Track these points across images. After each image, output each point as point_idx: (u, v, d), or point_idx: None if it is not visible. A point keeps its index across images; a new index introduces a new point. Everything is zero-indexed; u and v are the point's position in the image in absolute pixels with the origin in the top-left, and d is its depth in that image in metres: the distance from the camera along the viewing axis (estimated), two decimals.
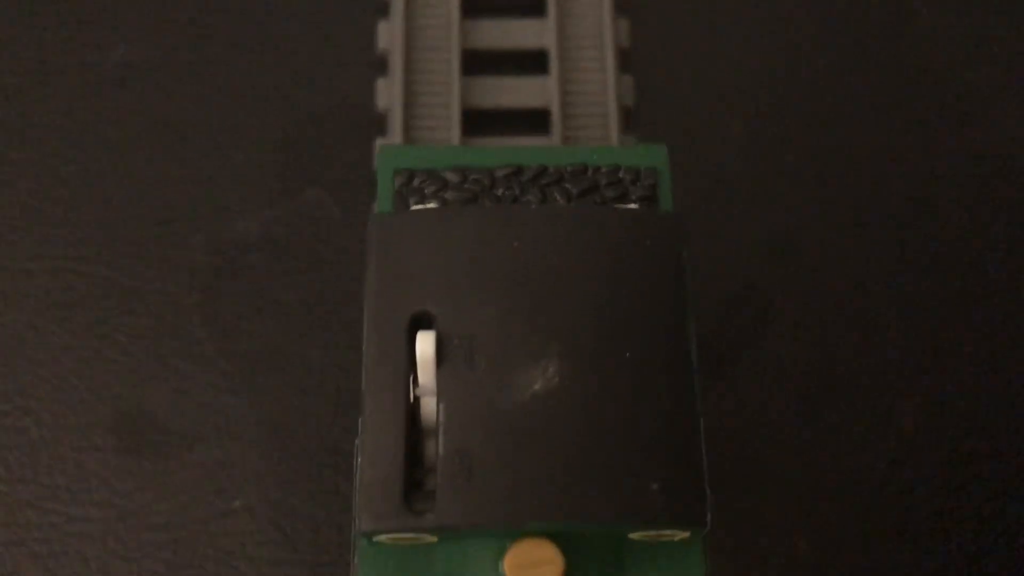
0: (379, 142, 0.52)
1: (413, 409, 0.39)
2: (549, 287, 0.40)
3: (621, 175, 0.44)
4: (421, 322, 0.40)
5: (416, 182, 0.44)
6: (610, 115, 0.52)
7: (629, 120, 0.53)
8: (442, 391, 0.39)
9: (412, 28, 0.54)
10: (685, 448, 0.39)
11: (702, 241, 0.56)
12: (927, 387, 0.54)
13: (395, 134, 0.52)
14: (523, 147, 0.45)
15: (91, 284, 0.55)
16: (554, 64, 0.53)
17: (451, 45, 0.54)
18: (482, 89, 0.53)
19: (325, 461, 0.52)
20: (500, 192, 0.43)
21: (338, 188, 0.57)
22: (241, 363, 0.53)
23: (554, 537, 0.38)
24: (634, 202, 0.43)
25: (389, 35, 0.54)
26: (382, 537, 0.38)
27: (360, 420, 0.39)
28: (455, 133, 0.52)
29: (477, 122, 0.53)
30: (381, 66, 0.55)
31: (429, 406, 0.39)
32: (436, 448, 0.39)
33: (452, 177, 0.43)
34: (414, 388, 0.40)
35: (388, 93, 0.53)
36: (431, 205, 0.43)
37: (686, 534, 0.39)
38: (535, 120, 0.53)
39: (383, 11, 0.55)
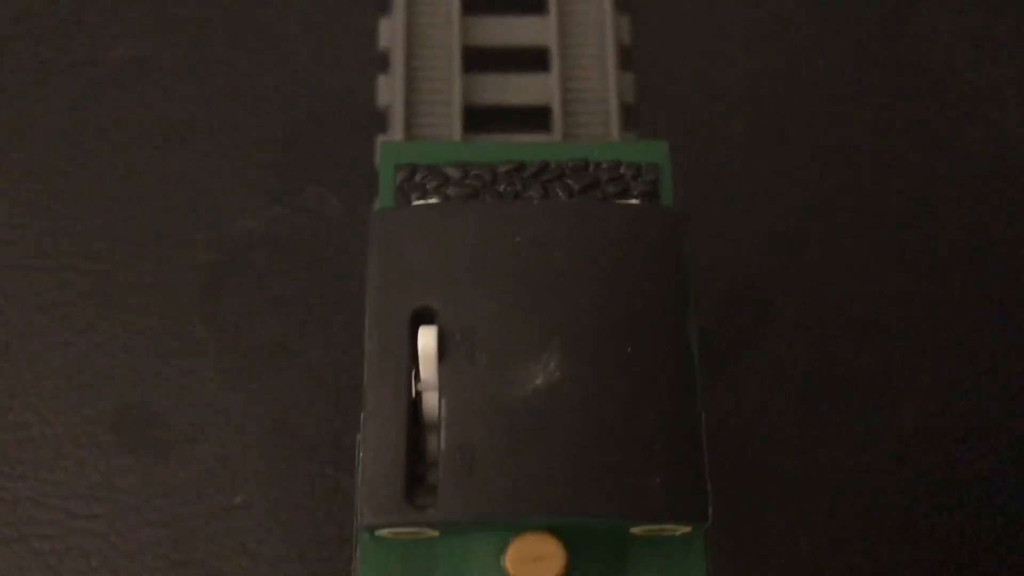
0: (380, 139, 0.52)
1: (415, 404, 0.39)
2: (551, 282, 0.40)
3: (622, 171, 0.44)
4: (423, 317, 0.40)
5: (418, 178, 0.44)
6: (611, 113, 0.52)
7: (630, 118, 0.53)
8: (444, 386, 0.39)
9: (413, 25, 0.54)
10: (686, 443, 0.39)
11: (702, 240, 0.56)
12: (927, 386, 0.54)
13: (396, 131, 0.51)
14: (524, 143, 0.45)
15: (92, 281, 0.55)
16: (555, 61, 0.53)
17: (452, 42, 0.54)
18: (483, 86, 0.53)
19: (326, 457, 0.52)
20: (501, 188, 0.43)
21: (339, 186, 0.57)
22: (242, 360, 0.53)
23: (556, 531, 0.38)
24: (635, 198, 0.43)
25: (390, 32, 0.54)
26: (384, 531, 0.38)
27: (362, 415, 0.39)
28: (456, 130, 0.51)
29: (478, 119, 0.53)
30: (382, 63, 0.55)
31: (431, 401, 0.39)
32: (438, 443, 0.39)
33: (453, 173, 0.44)
34: (416, 383, 0.40)
35: (389, 90, 0.53)
36: (432, 201, 0.43)
37: (687, 529, 0.39)
38: (536, 117, 0.53)
39: (384, 8, 0.55)
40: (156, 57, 0.60)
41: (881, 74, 0.61)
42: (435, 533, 0.39)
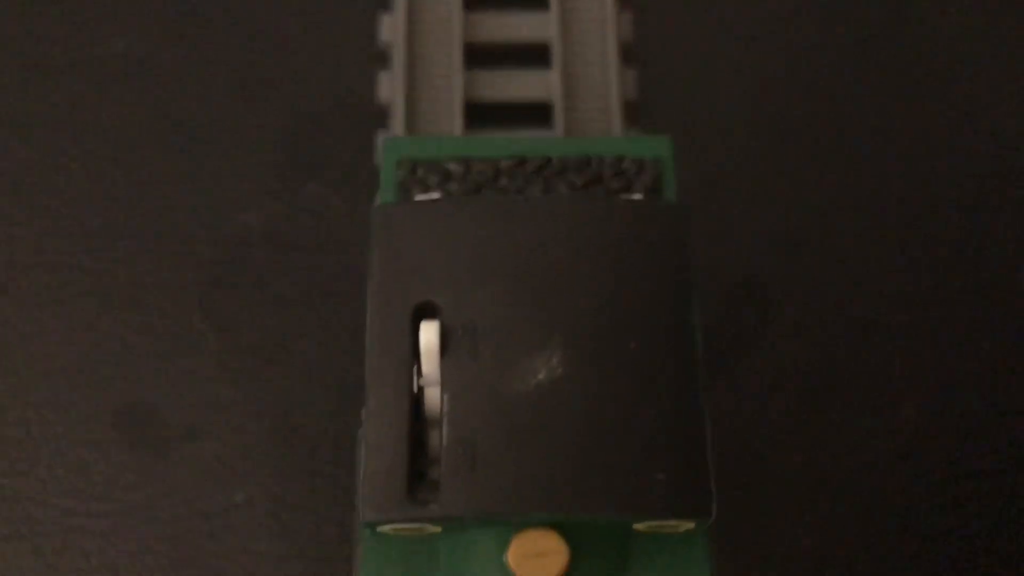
0: (382, 135, 0.52)
1: (416, 399, 0.39)
2: (553, 277, 0.40)
3: (625, 166, 0.43)
4: (425, 312, 0.40)
5: (419, 173, 0.43)
6: (612, 109, 0.52)
7: (631, 115, 0.53)
8: (446, 381, 0.39)
9: (414, 20, 0.54)
10: (690, 438, 0.38)
11: (702, 239, 0.56)
12: (928, 385, 0.54)
13: (397, 128, 0.51)
14: (527, 138, 0.45)
15: (92, 279, 0.55)
16: (557, 57, 0.53)
17: (453, 38, 0.53)
18: (485, 82, 0.53)
19: (327, 455, 0.52)
20: (503, 183, 0.43)
21: (339, 182, 0.57)
22: (243, 358, 0.53)
23: (559, 527, 0.38)
24: (638, 193, 0.43)
25: (391, 28, 0.54)
26: (385, 528, 0.38)
27: (363, 411, 0.39)
28: (457, 126, 0.51)
29: (479, 115, 0.53)
30: (383, 59, 0.55)
31: (433, 396, 0.39)
32: (439, 438, 0.38)
33: (455, 168, 0.43)
34: (417, 378, 0.39)
35: (390, 86, 0.53)
36: (434, 196, 0.42)
37: (691, 525, 0.39)
38: (537, 114, 0.53)
39: (385, 4, 0.55)
40: (156, 55, 0.60)
41: (883, 73, 0.61)
42: (437, 529, 0.38)
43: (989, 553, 0.51)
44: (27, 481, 0.51)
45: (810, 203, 0.58)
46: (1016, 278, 0.56)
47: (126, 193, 0.57)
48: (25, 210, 0.56)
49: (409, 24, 0.54)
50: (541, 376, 0.39)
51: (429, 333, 0.39)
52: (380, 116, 0.55)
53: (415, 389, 0.39)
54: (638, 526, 0.39)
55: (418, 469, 0.39)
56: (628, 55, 0.54)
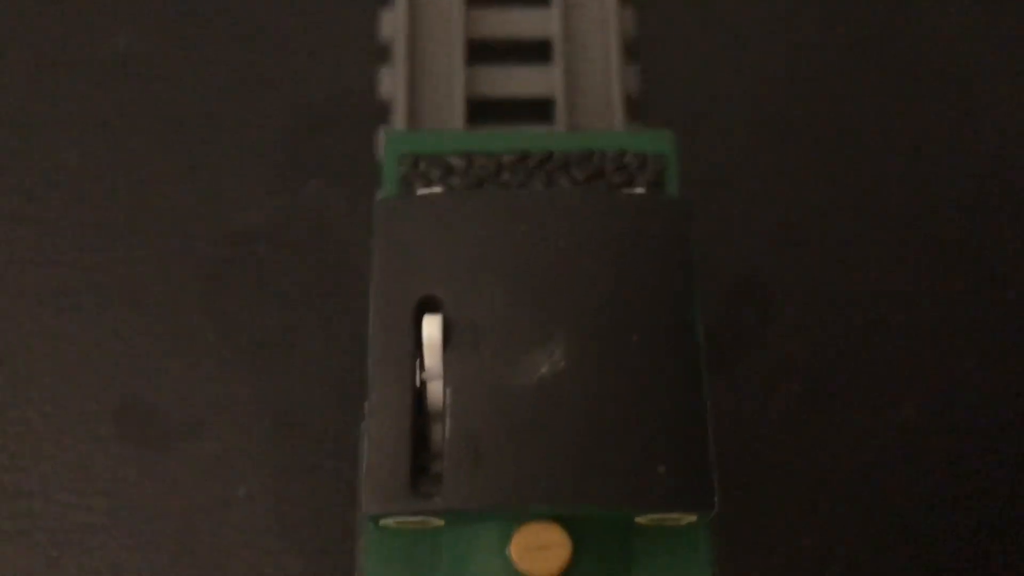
0: (384, 129, 0.52)
1: (419, 393, 0.39)
2: (556, 271, 0.40)
3: (627, 161, 0.43)
4: (427, 306, 0.40)
5: (421, 167, 0.43)
6: (614, 105, 0.52)
7: (633, 111, 0.53)
8: (448, 375, 0.39)
9: (416, 16, 0.54)
10: (692, 432, 0.38)
11: (703, 237, 0.56)
12: (928, 383, 0.54)
13: (398, 124, 0.51)
14: (529, 133, 0.45)
15: (94, 275, 0.55)
16: (558, 54, 0.53)
17: (455, 34, 0.53)
18: (486, 78, 0.53)
19: (328, 450, 0.52)
20: (506, 178, 0.43)
21: (341, 178, 0.57)
22: (244, 352, 0.53)
23: (561, 520, 0.38)
24: (640, 187, 0.43)
25: (392, 24, 0.54)
26: (388, 521, 0.38)
27: (365, 404, 0.39)
28: (459, 122, 0.51)
29: (481, 111, 0.53)
30: (384, 55, 0.55)
31: (435, 390, 0.39)
32: (443, 432, 0.38)
33: (457, 163, 0.43)
34: (420, 372, 0.39)
35: (391, 82, 0.53)
36: (436, 190, 0.42)
37: (693, 518, 0.39)
38: (539, 110, 0.53)
39: (385, 1, 0.55)
40: (157, 53, 0.60)
41: (884, 72, 0.61)
42: (440, 523, 0.38)
43: (989, 552, 0.51)
44: (29, 477, 0.51)
45: (811, 202, 0.58)
46: (1019, 276, 0.56)
47: (127, 191, 0.57)
48: (26, 207, 0.56)
49: (410, 20, 0.54)
50: (543, 370, 0.39)
51: (432, 327, 0.39)
52: (381, 113, 0.55)
53: (418, 383, 0.39)
54: (640, 519, 0.39)
55: (420, 463, 0.39)
56: (630, 51, 0.54)
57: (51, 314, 0.54)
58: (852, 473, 0.53)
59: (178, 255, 0.55)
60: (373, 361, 0.39)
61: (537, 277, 0.40)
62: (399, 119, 0.52)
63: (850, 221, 0.57)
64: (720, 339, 0.55)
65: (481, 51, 0.54)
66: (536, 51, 0.54)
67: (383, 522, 0.38)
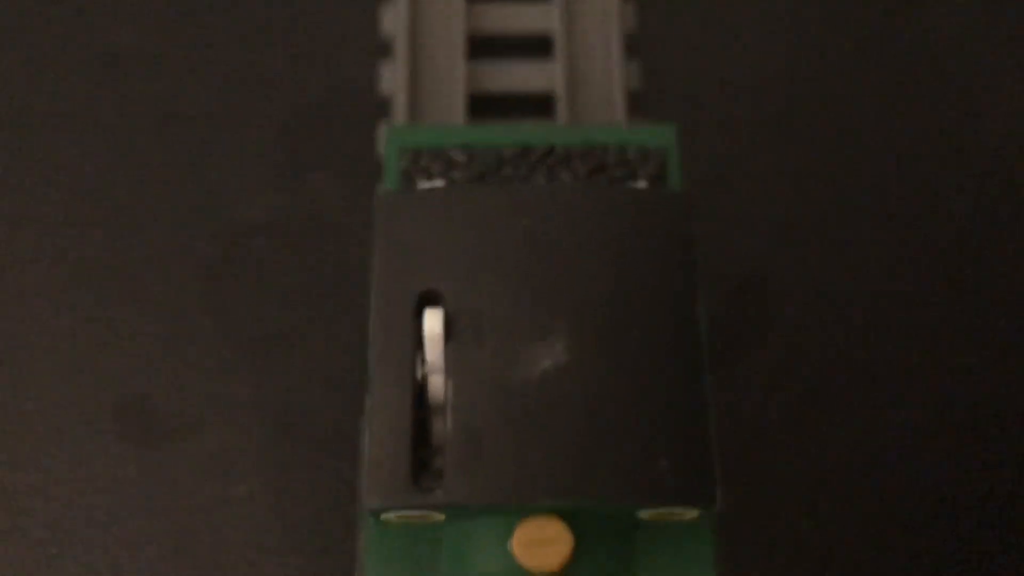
0: (385, 124, 0.52)
1: (420, 387, 0.39)
2: (558, 265, 0.40)
3: (629, 155, 0.43)
4: (429, 300, 0.40)
5: (423, 161, 0.43)
6: (616, 100, 0.52)
7: (635, 106, 0.53)
8: (450, 368, 0.39)
9: (417, 12, 0.54)
10: (694, 426, 0.38)
11: (706, 232, 0.56)
12: (930, 381, 0.54)
13: (399, 119, 0.51)
14: (531, 127, 0.45)
15: (93, 271, 0.55)
16: (560, 49, 0.53)
17: (456, 29, 0.53)
18: (487, 74, 0.53)
19: (328, 447, 0.52)
20: (507, 171, 0.43)
21: (341, 174, 0.57)
22: (244, 350, 0.53)
23: (563, 515, 0.38)
24: (642, 181, 0.43)
25: (393, 19, 0.54)
26: (389, 515, 0.38)
27: (366, 398, 0.39)
28: (460, 118, 0.51)
29: (482, 107, 0.53)
30: (385, 50, 0.55)
31: (437, 384, 0.39)
32: (444, 425, 0.38)
33: (459, 157, 0.43)
34: (421, 366, 0.39)
35: (392, 78, 0.53)
36: (438, 183, 0.42)
37: (695, 514, 0.39)
38: (541, 105, 0.53)
39: None
40: (157, 48, 0.60)
41: (887, 68, 0.61)
42: (441, 517, 0.38)
43: (991, 552, 0.51)
44: (29, 475, 0.51)
45: (812, 200, 0.58)
46: (1017, 276, 0.56)
47: (127, 187, 0.57)
48: (27, 202, 0.57)
49: (411, 15, 0.54)
50: (546, 364, 0.39)
51: (433, 320, 0.39)
52: (382, 108, 0.55)
53: (419, 377, 0.39)
54: (642, 514, 0.39)
55: (422, 457, 0.39)
56: (631, 47, 0.54)
57: (50, 312, 0.54)
58: (853, 471, 0.53)
59: (178, 252, 0.55)
60: (374, 355, 0.39)
61: (539, 271, 0.40)
62: (400, 115, 0.52)
63: (852, 219, 0.57)
64: (721, 337, 0.55)
65: (482, 46, 0.54)
66: (537, 46, 0.55)
67: (384, 516, 0.38)
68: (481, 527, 0.38)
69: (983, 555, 0.51)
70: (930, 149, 0.59)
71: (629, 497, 0.38)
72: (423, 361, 0.39)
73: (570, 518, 0.38)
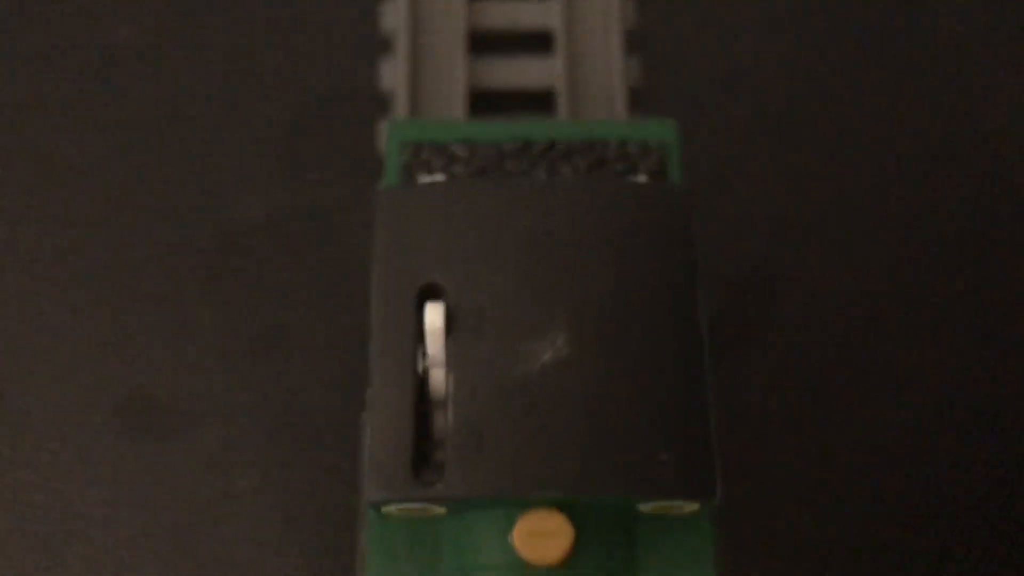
0: (385, 122, 0.52)
1: (421, 381, 0.39)
2: (558, 259, 0.40)
3: (630, 150, 0.44)
4: (430, 294, 0.40)
5: (424, 156, 0.44)
6: (616, 97, 0.52)
7: (635, 102, 0.53)
8: (451, 362, 0.39)
9: (417, 8, 0.54)
10: (694, 420, 0.38)
11: (707, 228, 0.56)
12: (933, 377, 0.54)
13: (400, 116, 0.52)
14: (531, 122, 0.45)
15: (95, 266, 0.55)
16: (561, 45, 0.53)
17: (457, 25, 0.54)
18: (488, 70, 0.53)
19: (329, 443, 0.52)
20: (508, 166, 0.43)
21: (342, 171, 0.57)
22: (245, 345, 0.53)
23: (563, 508, 0.38)
24: (643, 176, 0.43)
25: (394, 16, 0.54)
26: (390, 508, 0.38)
27: (368, 392, 0.39)
28: (460, 114, 0.51)
29: (483, 103, 0.53)
30: (385, 47, 0.55)
31: (437, 378, 0.39)
32: (445, 419, 0.39)
33: (460, 151, 0.44)
34: (422, 360, 0.39)
35: (393, 74, 0.53)
36: (439, 178, 0.43)
37: (695, 507, 0.39)
38: (541, 101, 0.53)
39: None
40: (159, 41, 0.60)
41: (888, 65, 0.61)
42: (442, 511, 0.39)
43: (991, 551, 0.51)
44: (29, 468, 0.51)
45: (813, 197, 0.58)
46: (1019, 275, 0.56)
47: (128, 182, 0.57)
48: (26, 198, 0.57)
49: (412, 11, 0.54)
50: (546, 357, 0.39)
51: (434, 314, 0.39)
52: (383, 105, 0.56)
53: (420, 371, 0.39)
54: (642, 507, 0.39)
55: (423, 451, 0.39)
56: (632, 43, 0.54)
57: (51, 309, 0.54)
58: (854, 470, 0.53)
59: (178, 249, 0.55)
60: (375, 349, 0.39)
61: (540, 265, 0.40)
62: (400, 112, 0.52)
63: (851, 217, 0.57)
64: (723, 332, 0.55)
65: (483, 42, 0.54)
66: (538, 42, 0.55)
67: (385, 509, 0.38)
68: (482, 520, 0.38)
69: (983, 554, 0.51)
70: (930, 148, 0.59)
71: (629, 490, 0.38)
72: (424, 355, 0.40)
73: (570, 511, 0.38)
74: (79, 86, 0.59)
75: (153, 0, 0.61)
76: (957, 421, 0.53)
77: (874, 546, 0.51)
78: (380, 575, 0.39)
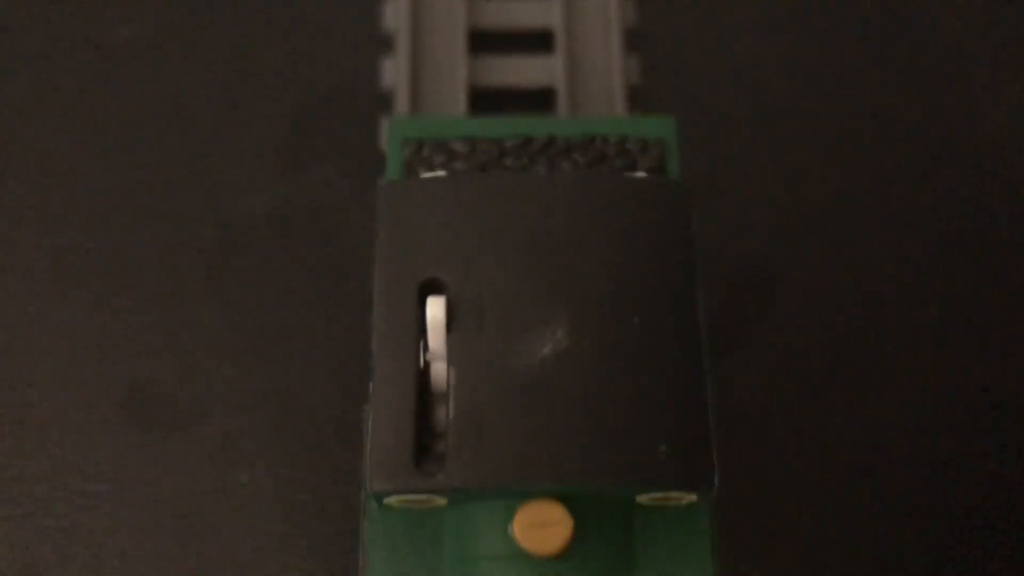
0: (386, 120, 0.52)
1: (423, 374, 0.39)
2: (558, 253, 0.40)
3: (629, 146, 0.44)
4: (431, 288, 0.40)
5: (425, 152, 0.44)
6: (616, 94, 0.52)
7: (635, 100, 0.53)
8: (452, 355, 0.39)
9: (419, 7, 0.54)
10: (692, 412, 0.39)
11: (706, 224, 0.56)
12: (933, 371, 0.54)
13: (401, 113, 0.52)
14: (531, 118, 0.45)
15: (99, 261, 0.55)
16: (560, 44, 0.53)
17: (458, 24, 0.54)
18: (489, 68, 0.54)
19: (331, 435, 0.52)
20: (509, 162, 0.43)
21: (344, 166, 0.57)
22: (248, 338, 0.53)
23: (563, 499, 0.38)
24: (642, 172, 0.43)
25: (396, 14, 0.54)
26: (392, 499, 0.38)
27: (370, 385, 0.39)
28: (461, 112, 0.52)
29: (483, 102, 0.53)
30: (387, 45, 0.55)
31: (439, 371, 0.40)
32: (446, 411, 0.39)
33: (461, 148, 0.44)
34: (424, 353, 0.40)
35: (394, 72, 0.53)
36: (440, 173, 0.43)
37: (693, 498, 0.39)
38: (541, 99, 0.53)
39: None
40: (161, 41, 0.60)
41: (888, 61, 0.61)
42: (443, 502, 0.39)
43: (991, 550, 0.52)
44: (34, 462, 0.52)
45: (812, 197, 0.58)
46: (1019, 275, 0.57)
47: (132, 177, 0.57)
48: (31, 193, 0.57)
49: (413, 9, 0.54)
50: (546, 350, 0.39)
51: (435, 308, 0.39)
52: (385, 100, 0.56)
53: (422, 364, 0.40)
54: (641, 499, 0.39)
55: (424, 443, 0.39)
56: (631, 41, 0.55)
57: (56, 299, 0.54)
58: (854, 467, 0.53)
59: (182, 244, 0.55)
60: (378, 342, 0.39)
61: (540, 259, 0.40)
62: (401, 109, 0.52)
63: (851, 215, 0.58)
64: (723, 327, 0.55)
65: (483, 41, 0.55)
66: (538, 41, 0.55)
67: (387, 501, 0.38)
68: (482, 511, 0.39)
69: (983, 554, 0.51)
70: (930, 148, 0.59)
71: (628, 481, 0.38)
72: (425, 348, 0.40)
73: (570, 502, 0.38)
74: (79, 85, 0.59)
75: None
76: (957, 420, 0.53)
77: (874, 547, 0.51)
78: (382, 566, 0.39)
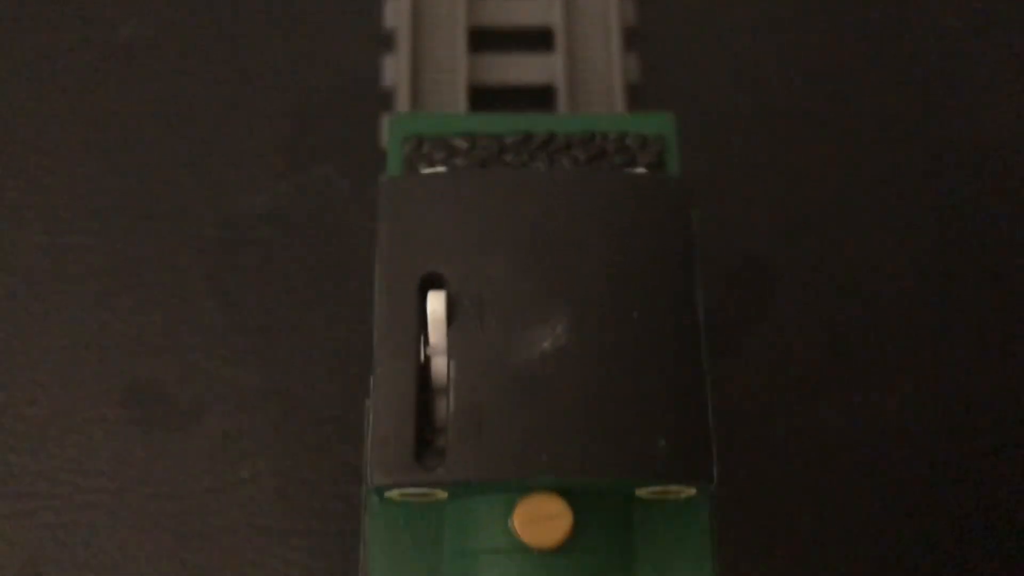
0: (387, 117, 0.52)
1: (424, 368, 0.40)
2: (558, 249, 0.40)
3: (628, 142, 0.44)
4: (432, 283, 0.40)
5: (425, 149, 0.44)
6: (615, 93, 0.52)
7: (634, 98, 0.53)
8: (453, 349, 0.39)
9: (419, 5, 0.54)
10: (692, 405, 0.39)
11: (706, 221, 0.56)
12: (932, 369, 0.54)
13: (402, 111, 0.52)
14: (531, 115, 0.46)
15: (100, 258, 0.55)
16: (560, 42, 0.53)
17: (458, 22, 0.54)
18: (489, 66, 0.54)
19: (332, 432, 0.52)
20: (509, 159, 0.43)
21: (345, 164, 0.57)
22: (249, 335, 0.54)
23: (563, 492, 0.38)
24: (642, 168, 0.43)
25: (396, 12, 0.54)
26: (393, 493, 0.38)
27: (371, 379, 0.39)
28: (461, 110, 0.52)
29: (483, 99, 0.53)
30: (388, 43, 0.55)
31: (439, 365, 0.40)
32: (447, 405, 0.39)
33: (461, 144, 0.44)
34: (424, 347, 0.40)
35: (395, 70, 0.53)
36: (440, 169, 0.43)
37: (693, 492, 0.39)
38: (541, 97, 0.53)
39: None
40: (163, 36, 0.60)
41: (888, 60, 0.61)
42: (443, 495, 0.39)
43: (990, 549, 0.52)
44: (35, 458, 0.52)
45: (811, 194, 0.58)
46: (1018, 274, 0.57)
47: (133, 175, 0.57)
48: (33, 191, 0.57)
49: (413, 8, 0.54)
50: (546, 345, 0.39)
51: (436, 303, 0.39)
52: (386, 98, 0.56)
53: (422, 358, 0.40)
54: (640, 493, 0.39)
55: (425, 437, 0.39)
56: (631, 39, 0.55)
57: (58, 296, 0.54)
58: (853, 462, 0.53)
59: (184, 238, 0.56)
60: (378, 337, 0.40)
61: (540, 254, 0.40)
62: (402, 107, 0.52)
63: (850, 213, 0.58)
64: (722, 322, 0.55)
65: (483, 39, 0.55)
66: (538, 39, 0.55)
67: (388, 495, 0.39)
68: (482, 504, 0.39)
69: (983, 554, 0.51)
70: (929, 147, 0.59)
71: (628, 473, 0.38)
72: (426, 343, 0.40)
73: (570, 494, 0.38)
74: (79, 85, 0.59)
75: None
76: (957, 420, 0.53)
77: (874, 546, 0.51)
78: (383, 560, 0.39)
